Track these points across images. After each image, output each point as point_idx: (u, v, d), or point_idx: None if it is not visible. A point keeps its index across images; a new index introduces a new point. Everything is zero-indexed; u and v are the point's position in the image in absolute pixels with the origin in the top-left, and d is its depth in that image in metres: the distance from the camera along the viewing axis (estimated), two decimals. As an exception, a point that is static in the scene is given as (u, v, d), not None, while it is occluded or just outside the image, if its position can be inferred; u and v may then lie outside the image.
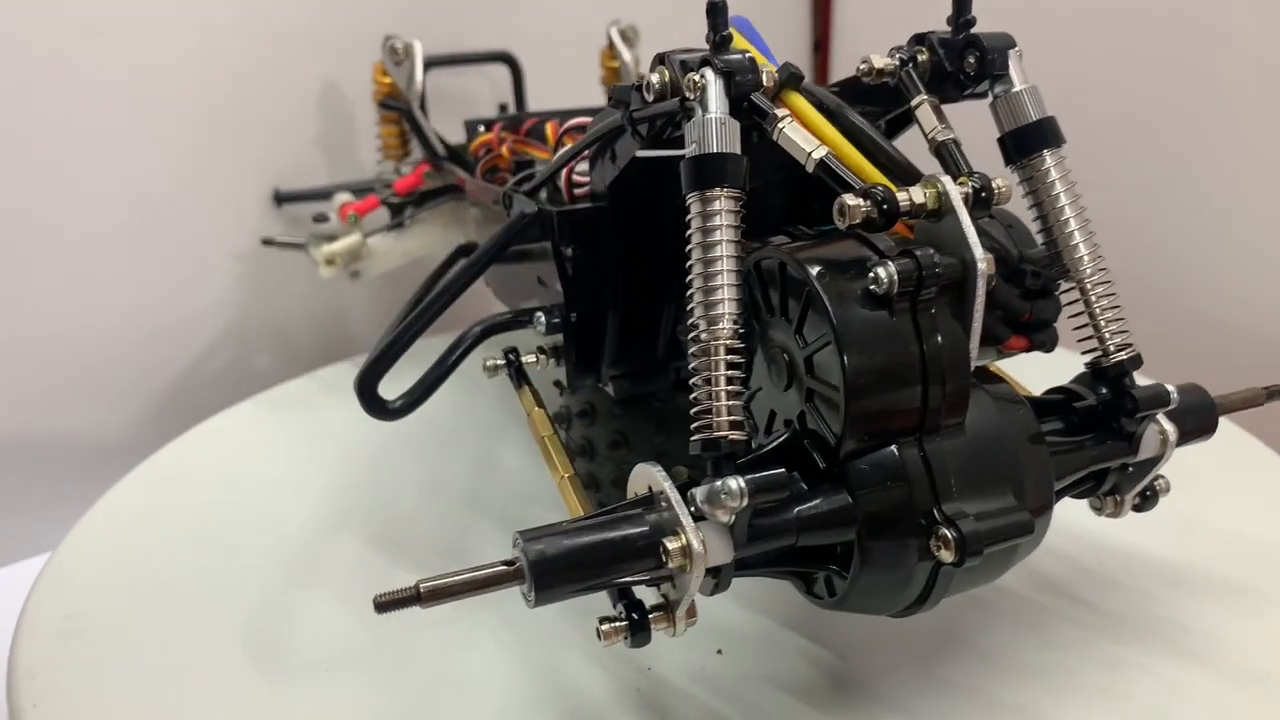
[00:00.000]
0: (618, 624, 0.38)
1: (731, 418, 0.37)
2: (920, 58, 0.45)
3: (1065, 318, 0.44)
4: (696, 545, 0.36)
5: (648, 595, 0.39)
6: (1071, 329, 0.44)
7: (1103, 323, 0.43)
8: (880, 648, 0.49)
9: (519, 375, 0.53)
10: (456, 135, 0.82)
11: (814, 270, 0.38)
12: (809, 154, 0.39)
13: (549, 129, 0.65)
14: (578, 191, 0.53)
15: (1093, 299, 0.43)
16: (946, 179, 0.38)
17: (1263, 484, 0.63)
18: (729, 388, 0.37)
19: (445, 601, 0.36)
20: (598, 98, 0.98)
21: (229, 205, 0.88)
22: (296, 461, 0.71)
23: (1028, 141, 0.43)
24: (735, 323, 0.37)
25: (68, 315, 0.81)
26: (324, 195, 0.90)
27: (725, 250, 0.37)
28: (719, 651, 0.49)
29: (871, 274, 0.37)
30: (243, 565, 0.58)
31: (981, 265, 0.37)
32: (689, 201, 0.38)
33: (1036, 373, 0.50)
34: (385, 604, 0.36)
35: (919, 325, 0.37)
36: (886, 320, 0.37)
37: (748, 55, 0.39)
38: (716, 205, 0.37)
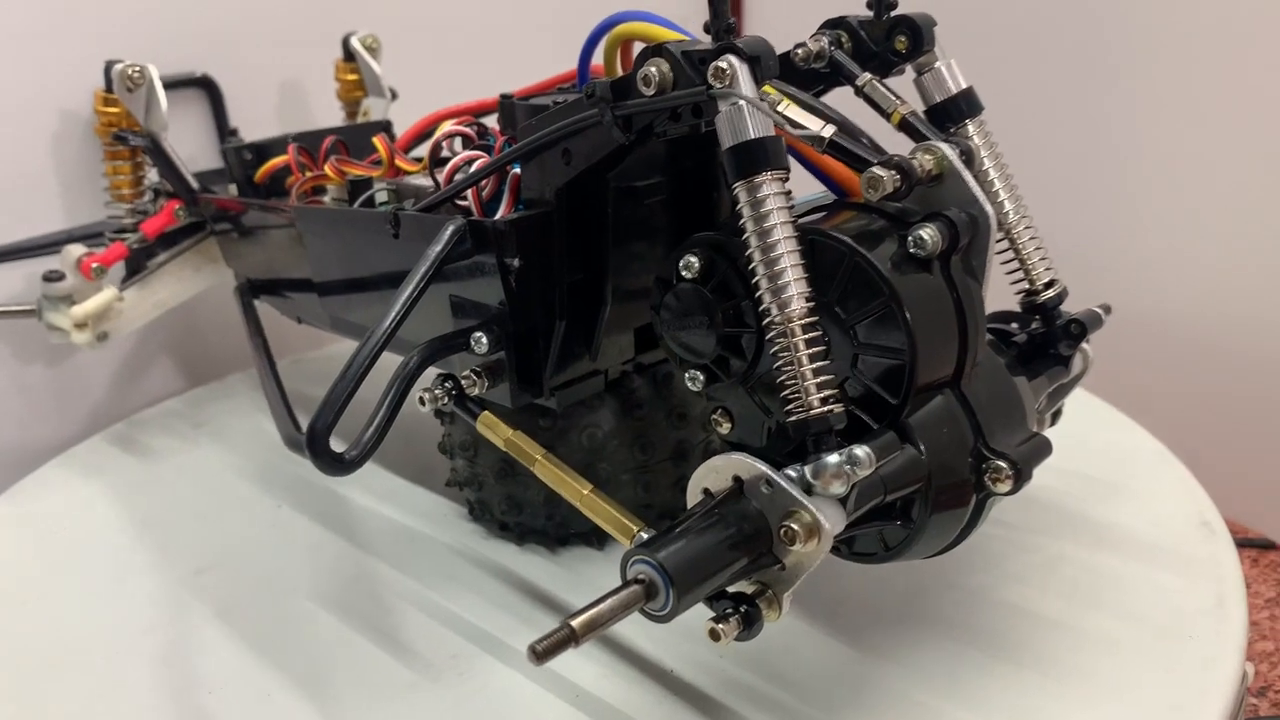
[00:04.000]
0: (729, 622, 0.38)
1: (824, 393, 0.38)
2: (843, 40, 0.48)
3: (997, 264, 0.49)
4: (823, 520, 0.36)
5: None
6: (1005, 274, 0.49)
7: (1031, 264, 0.49)
8: (858, 595, 0.52)
9: (464, 402, 0.50)
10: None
11: (853, 242, 0.40)
12: (818, 133, 0.41)
13: (379, 144, 0.60)
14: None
15: (1020, 245, 0.49)
16: (944, 145, 0.41)
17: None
18: (815, 365, 0.38)
19: (597, 634, 0.34)
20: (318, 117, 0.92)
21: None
22: (105, 545, 0.62)
23: (955, 111, 0.48)
24: (807, 300, 0.38)
25: None
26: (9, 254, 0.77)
27: (782, 232, 0.38)
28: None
29: (912, 238, 0.39)
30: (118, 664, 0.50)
31: (993, 220, 0.41)
32: (736, 190, 0.38)
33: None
34: (545, 650, 0.33)
35: (952, 281, 0.41)
36: (931, 280, 0.40)
37: (763, 39, 0.40)
38: (765, 189, 0.38)
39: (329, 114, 0.91)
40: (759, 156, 0.38)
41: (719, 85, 0.38)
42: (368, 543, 0.61)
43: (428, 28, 1.00)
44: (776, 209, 0.38)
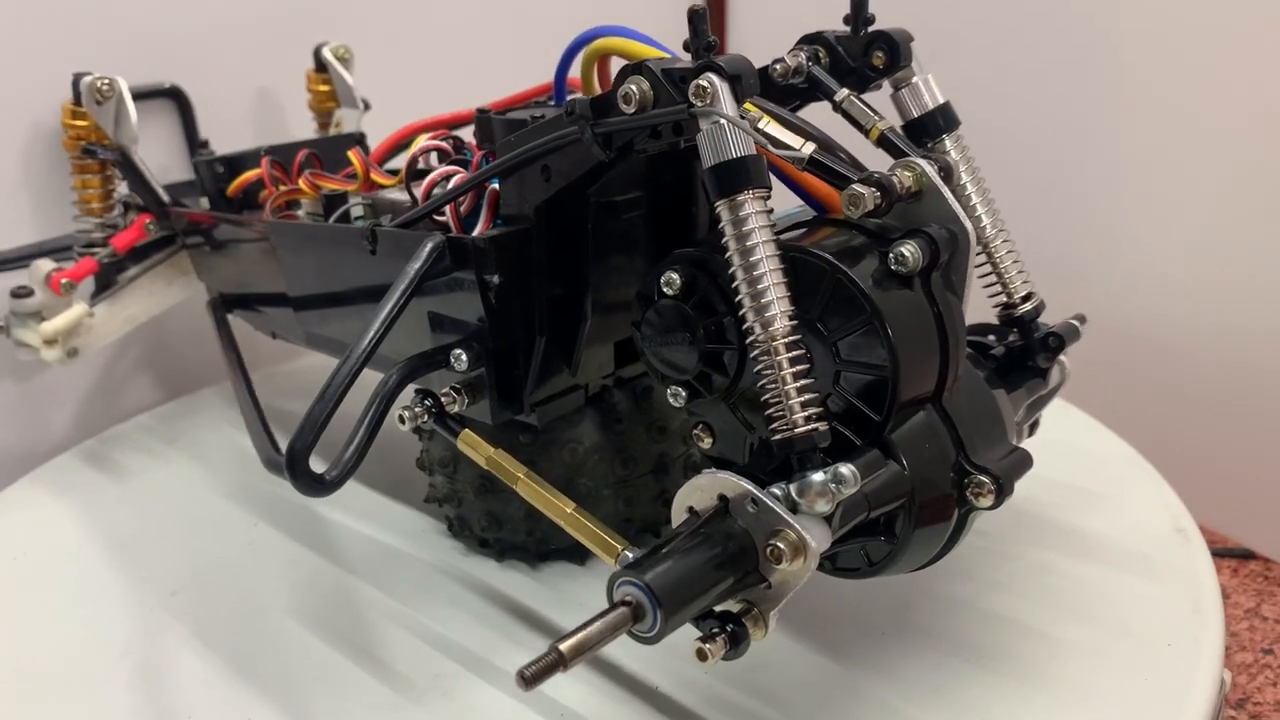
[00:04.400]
0: (715, 641, 0.38)
1: (808, 411, 0.38)
2: (821, 55, 0.48)
3: (975, 278, 0.50)
4: (809, 539, 0.36)
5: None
6: (982, 287, 0.50)
7: (1009, 278, 0.49)
8: (842, 608, 0.53)
9: (443, 419, 0.49)
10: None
11: (835, 259, 0.40)
12: (799, 153, 0.41)
13: (354, 158, 0.60)
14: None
15: (998, 259, 0.49)
16: (922, 161, 0.41)
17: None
18: (799, 383, 0.38)
19: (584, 658, 0.34)
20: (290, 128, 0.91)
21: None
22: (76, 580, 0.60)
23: (932, 126, 0.48)
24: (790, 319, 0.38)
25: None
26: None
27: (765, 251, 0.38)
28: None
29: (893, 254, 0.40)
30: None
31: (972, 236, 0.41)
32: (718, 209, 0.38)
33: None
34: (534, 676, 0.33)
35: (933, 297, 0.41)
36: (913, 296, 0.40)
37: (744, 58, 0.40)
38: (747, 208, 0.38)
39: (301, 125, 0.90)
40: (741, 175, 0.38)
41: (700, 104, 0.38)
42: (346, 560, 0.60)
43: (399, 38, 0.99)
44: (759, 227, 0.38)
